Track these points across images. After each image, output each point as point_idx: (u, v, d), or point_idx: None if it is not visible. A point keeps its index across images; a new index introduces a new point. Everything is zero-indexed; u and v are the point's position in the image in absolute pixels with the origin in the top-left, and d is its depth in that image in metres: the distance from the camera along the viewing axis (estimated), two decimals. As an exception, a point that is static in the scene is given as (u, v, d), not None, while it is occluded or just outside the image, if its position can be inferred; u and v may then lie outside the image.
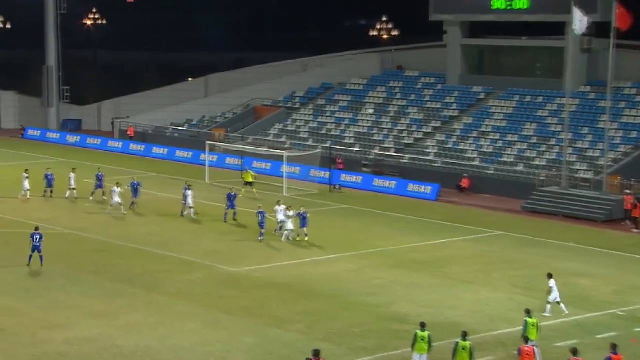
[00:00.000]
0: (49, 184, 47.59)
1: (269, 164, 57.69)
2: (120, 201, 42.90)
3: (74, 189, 47.67)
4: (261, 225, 39.11)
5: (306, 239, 38.93)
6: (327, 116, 67.23)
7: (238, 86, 75.85)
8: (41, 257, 34.08)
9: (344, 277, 33.90)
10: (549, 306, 29.33)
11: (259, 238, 39.16)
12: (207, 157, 56.36)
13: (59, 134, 73.68)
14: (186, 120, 73.60)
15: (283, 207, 40.28)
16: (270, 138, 65.97)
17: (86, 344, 26.17)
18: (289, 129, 67.21)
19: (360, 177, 55.09)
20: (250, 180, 50.52)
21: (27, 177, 47.27)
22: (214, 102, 75.42)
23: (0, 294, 30.82)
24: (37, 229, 34.54)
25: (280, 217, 40.00)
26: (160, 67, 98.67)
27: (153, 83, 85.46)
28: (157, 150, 66.16)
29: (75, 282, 32.43)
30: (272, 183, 53.46)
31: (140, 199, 44.85)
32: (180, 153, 64.60)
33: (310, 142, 62.94)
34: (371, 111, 65.47)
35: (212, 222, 43.04)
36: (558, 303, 29.36)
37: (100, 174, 47.74)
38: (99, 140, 70.32)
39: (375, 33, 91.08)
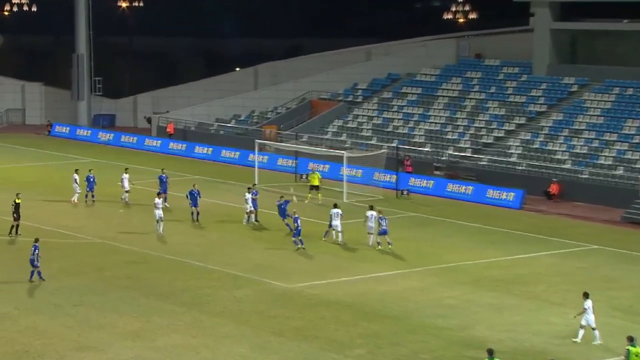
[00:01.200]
0: (90, 187, 48.60)
1: (327, 166, 58.00)
2: (162, 215, 42.14)
3: (128, 191, 48.49)
4: (298, 231, 39.77)
5: (379, 247, 39.66)
6: (393, 111, 67.34)
7: (292, 77, 76.44)
8: (32, 272, 34.67)
9: (411, 296, 34.01)
10: (581, 331, 29.15)
11: (301, 246, 39.68)
12: (256, 158, 56.93)
13: (89, 131, 75.09)
14: (233, 116, 74.42)
15: (339, 210, 40.80)
16: (328, 136, 66.34)
17: (120, 368, 26.83)
18: (349, 125, 67.49)
19: (432, 182, 55.11)
20: (317, 183, 50.87)
21: (78, 178, 48.44)
22: (265, 95, 76.14)
23: (26, 311, 31.65)
24: (36, 240, 35.24)
25: (336, 222, 40.64)
26: (204, 55, 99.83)
27: (196, 73, 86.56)
28: (200, 149, 67.04)
29: (107, 298, 33.14)
30: (331, 187, 53.70)
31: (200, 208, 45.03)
32: (226, 153, 65.36)
33: (374, 141, 63.13)
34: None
35: (261, 232, 43.48)
36: (593, 329, 29.16)
37: (163, 175, 48.35)
38: (135, 138, 71.50)
39: (450, 16, 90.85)
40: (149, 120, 76.53)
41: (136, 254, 39.31)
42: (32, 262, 34.78)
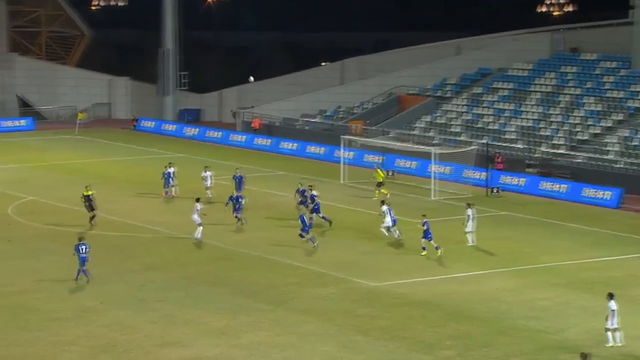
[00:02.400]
0: (167, 182, 49.27)
1: (415, 163, 57.73)
2: (200, 221, 40.81)
3: (210, 187, 48.76)
4: (305, 229, 39.55)
5: (439, 253, 38.54)
6: (484, 107, 66.71)
7: (379, 72, 76.28)
8: (85, 271, 34.53)
9: (501, 297, 33.63)
10: (609, 334, 28.48)
11: (314, 244, 39.46)
12: (342, 154, 56.95)
13: (175, 126, 76.13)
14: (319, 111, 74.60)
15: (387, 207, 40.79)
16: (416, 132, 66.02)
17: (204, 365, 27.09)
18: (438, 121, 67.08)
19: (524, 179, 54.41)
20: (381, 180, 50.63)
21: (172, 171, 48.94)
22: (352, 90, 76.11)
23: (112, 305, 32.21)
24: (81, 239, 35.17)
25: (389, 219, 40.50)
26: (290, 50, 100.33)
27: (282, 68, 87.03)
28: (286, 145, 67.37)
29: (192, 294, 33.52)
30: (419, 185, 53.46)
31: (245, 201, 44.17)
32: (311, 148, 65.56)
33: (463, 138, 62.64)
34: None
35: (345, 229, 43.43)
36: (615, 330, 28.46)
37: (238, 175, 48.39)
38: (220, 133, 72.23)
39: (543, 9, 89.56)
40: (235, 115, 77.20)
41: (221, 251, 39.68)
42: (84, 260, 34.46)
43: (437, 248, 38.51)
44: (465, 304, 32.69)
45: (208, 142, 71.15)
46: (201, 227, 40.65)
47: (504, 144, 60.36)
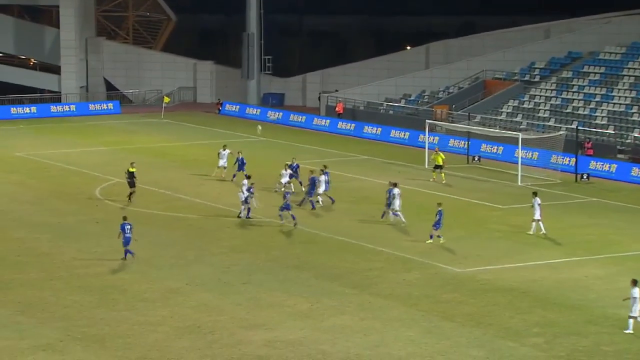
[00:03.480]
0: (240, 168, 49.52)
1: (501, 148, 57.18)
2: (256, 205, 41.62)
3: (285, 184, 48.10)
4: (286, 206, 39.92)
5: (441, 241, 37.98)
6: (573, 92, 65.71)
7: (465, 56, 75.66)
8: (126, 251, 35.02)
9: (591, 285, 33.17)
10: (631, 321, 27.87)
11: (283, 222, 40.11)
12: (426, 139, 56.72)
13: (259, 110, 76.64)
14: (403, 95, 74.35)
15: (399, 190, 40.72)
16: (502, 117, 65.37)
17: (289, 348, 27.24)
18: (525, 106, 66.29)
19: (615, 166, 53.46)
20: (440, 162, 50.08)
21: (225, 153, 49.66)
22: (436, 74, 75.67)
23: (197, 287, 32.61)
24: (125, 218, 35.50)
25: (398, 202, 40.40)
26: (374, 34, 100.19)
27: (366, 52, 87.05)
28: (369, 129, 67.32)
29: (276, 277, 33.77)
30: (505, 170, 52.95)
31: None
32: (395, 133, 65.41)
33: (551, 123, 61.84)
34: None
35: (429, 215, 43.12)
36: (634, 317, 27.79)
37: (295, 164, 47.89)
38: (304, 117, 72.48)
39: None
40: (319, 99, 77.40)
41: (305, 234, 39.86)
42: (129, 241, 34.95)
43: (439, 236, 37.82)
44: (553, 291, 32.31)
45: (292, 126, 71.45)
46: (247, 206, 41.37)
47: (593, 130, 59.39)
